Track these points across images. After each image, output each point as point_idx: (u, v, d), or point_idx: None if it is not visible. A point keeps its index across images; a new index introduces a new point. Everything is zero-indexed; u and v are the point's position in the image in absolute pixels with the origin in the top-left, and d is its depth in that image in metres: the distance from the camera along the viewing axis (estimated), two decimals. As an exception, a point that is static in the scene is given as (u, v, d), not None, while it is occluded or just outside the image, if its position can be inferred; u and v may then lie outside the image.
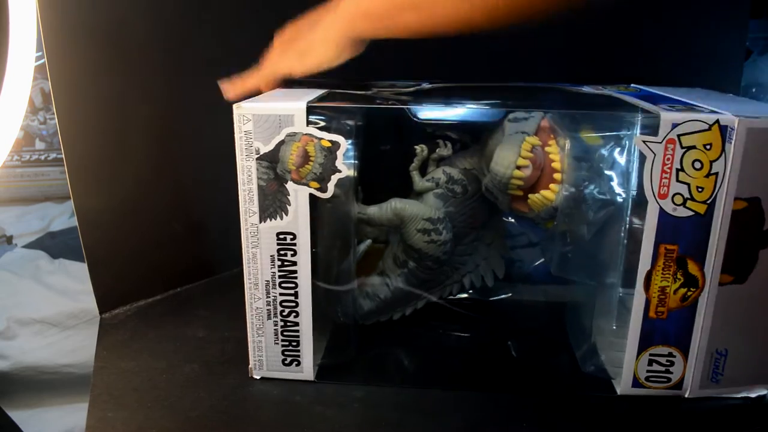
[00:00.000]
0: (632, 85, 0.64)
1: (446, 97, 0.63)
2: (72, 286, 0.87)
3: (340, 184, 0.53)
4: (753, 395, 0.54)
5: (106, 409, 0.53)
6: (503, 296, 0.71)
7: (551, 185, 0.56)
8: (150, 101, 0.69)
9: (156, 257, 0.73)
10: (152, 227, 0.72)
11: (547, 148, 0.56)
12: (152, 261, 0.72)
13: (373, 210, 0.61)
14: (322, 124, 0.52)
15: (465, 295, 0.69)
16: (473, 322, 0.67)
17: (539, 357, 0.62)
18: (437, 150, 0.63)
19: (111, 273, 0.69)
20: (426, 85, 0.64)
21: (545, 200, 0.56)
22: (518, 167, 0.55)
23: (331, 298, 0.60)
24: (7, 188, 1.15)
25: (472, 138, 0.64)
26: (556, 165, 0.56)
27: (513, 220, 0.67)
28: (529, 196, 0.57)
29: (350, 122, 0.54)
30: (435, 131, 0.64)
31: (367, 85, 0.64)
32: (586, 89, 0.63)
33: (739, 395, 0.55)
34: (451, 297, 0.67)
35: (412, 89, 0.62)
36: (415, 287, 0.65)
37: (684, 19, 0.84)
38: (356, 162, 0.55)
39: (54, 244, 0.98)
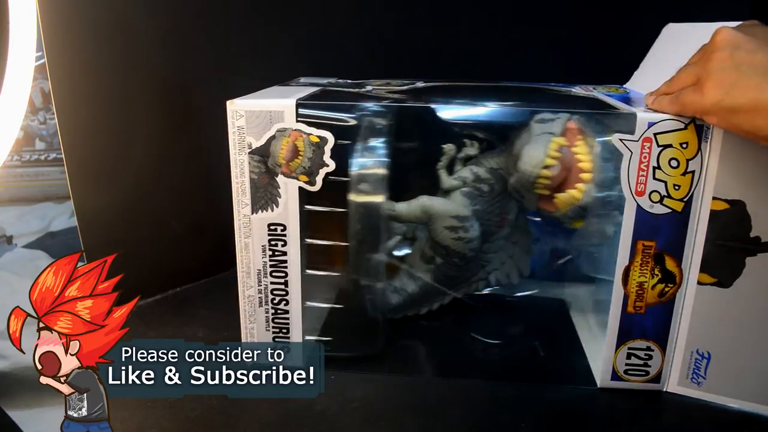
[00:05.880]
0: (623, 86, 0.64)
1: (441, 95, 0.64)
2: (72, 286, 0.87)
3: (371, 181, 0.56)
4: (734, 407, 0.53)
5: (106, 409, 0.53)
6: (527, 293, 0.72)
7: (578, 184, 0.57)
8: (150, 101, 0.69)
9: (156, 257, 0.73)
10: (152, 227, 0.72)
11: (573, 149, 0.57)
12: (152, 261, 0.72)
13: (401, 207, 0.63)
14: (353, 122, 0.55)
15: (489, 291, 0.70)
16: (488, 317, 0.69)
17: (545, 351, 0.63)
18: (464, 149, 0.65)
19: (111, 273, 0.69)
20: (420, 84, 0.66)
21: (572, 199, 0.57)
22: (546, 166, 0.57)
23: (361, 292, 0.62)
24: (7, 188, 1.15)
25: (499, 138, 0.65)
26: (583, 165, 0.57)
27: (539, 219, 0.68)
28: (556, 195, 0.58)
29: (383, 121, 0.57)
30: (462, 130, 0.65)
31: (362, 83, 0.65)
32: (576, 90, 0.63)
33: (719, 403, 0.54)
34: (477, 293, 0.69)
35: (405, 87, 0.63)
36: (441, 283, 0.66)
37: (684, 19, 0.84)
38: (388, 161, 0.58)
39: (54, 244, 0.98)
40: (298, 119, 0.53)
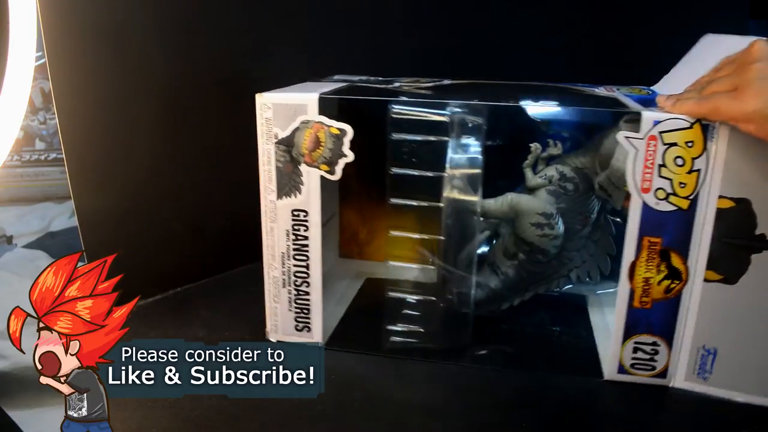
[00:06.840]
0: (650, 88, 0.64)
1: (465, 92, 0.65)
2: (72, 286, 0.87)
3: (467, 178, 0.59)
4: (740, 400, 0.54)
5: (106, 409, 0.53)
6: (608, 291, 0.72)
7: None
8: (150, 101, 0.69)
9: (156, 257, 0.72)
10: (152, 227, 0.72)
11: None
12: (152, 261, 0.72)
13: (489, 203, 0.64)
14: (446, 120, 0.58)
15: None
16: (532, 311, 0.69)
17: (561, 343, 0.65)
18: (547, 149, 0.66)
19: (111, 273, 0.69)
20: (446, 81, 0.67)
21: None
22: None
23: (449, 285, 0.63)
24: (7, 188, 1.15)
25: (586, 137, 0.66)
26: None
27: (619, 220, 0.68)
28: None
29: (479, 120, 0.59)
30: (547, 130, 0.66)
31: (391, 80, 0.67)
32: (599, 90, 0.64)
33: (726, 397, 0.54)
34: (557, 290, 0.69)
35: (432, 84, 0.65)
36: (523, 279, 0.67)
37: (684, 20, 0.84)
38: (482, 157, 0.60)
39: (54, 244, 0.98)
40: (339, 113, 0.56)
